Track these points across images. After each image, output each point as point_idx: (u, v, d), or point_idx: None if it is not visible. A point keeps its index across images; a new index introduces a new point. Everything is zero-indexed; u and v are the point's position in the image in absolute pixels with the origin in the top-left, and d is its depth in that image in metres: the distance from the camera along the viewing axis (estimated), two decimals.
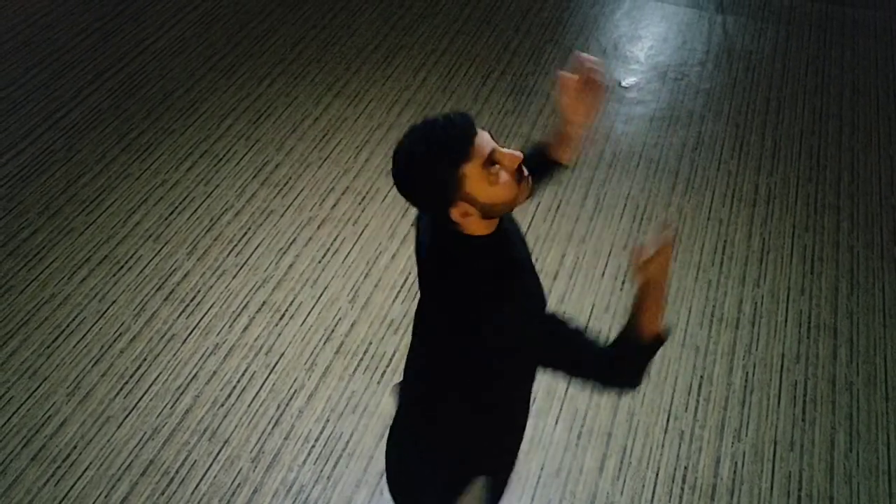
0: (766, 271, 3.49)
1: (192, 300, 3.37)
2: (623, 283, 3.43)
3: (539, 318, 1.51)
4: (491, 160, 1.44)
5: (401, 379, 2.11)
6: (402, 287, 3.41)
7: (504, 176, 1.46)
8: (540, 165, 1.88)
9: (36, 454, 2.87)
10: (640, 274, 1.48)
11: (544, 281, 3.42)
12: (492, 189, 1.45)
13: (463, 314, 1.49)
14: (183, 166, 3.97)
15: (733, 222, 3.69)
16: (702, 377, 3.11)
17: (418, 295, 3.38)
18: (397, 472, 1.98)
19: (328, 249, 3.57)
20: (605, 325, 3.26)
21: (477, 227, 1.53)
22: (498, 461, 1.94)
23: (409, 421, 1.90)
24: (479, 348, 1.50)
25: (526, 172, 1.50)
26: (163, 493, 2.76)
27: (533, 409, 2.99)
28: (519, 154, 1.47)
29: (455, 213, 1.48)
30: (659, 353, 3.18)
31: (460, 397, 1.71)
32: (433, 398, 1.78)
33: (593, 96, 1.73)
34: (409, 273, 3.47)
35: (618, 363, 1.50)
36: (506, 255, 1.57)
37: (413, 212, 3.73)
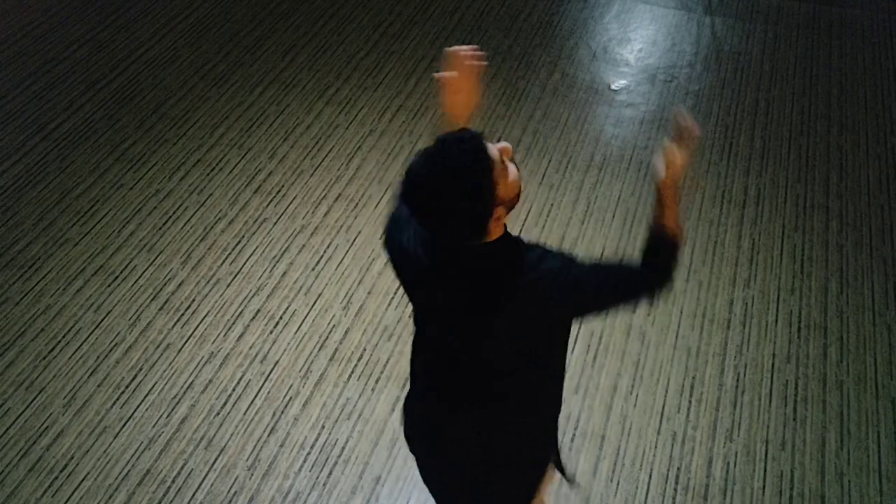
0: (756, 272, 3.52)
1: (186, 309, 3.39)
2: None
3: (590, 264, 1.64)
4: (501, 158, 1.52)
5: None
6: (395, 293, 3.44)
7: (511, 167, 1.55)
8: None
9: (33, 465, 2.88)
10: (668, 175, 1.62)
11: None
12: (510, 183, 1.53)
13: (544, 290, 1.56)
14: (176, 176, 3.99)
15: (723, 223, 3.72)
16: (693, 378, 3.13)
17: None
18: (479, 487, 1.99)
19: (321, 257, 3.60)
20: (597, 326, 3.28)
21: (499, 228, 1.58)
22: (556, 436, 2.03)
23: (480, 438, 1.87)
24: (567, 310, 1.63)
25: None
26: (160, 503, 2.78)
27: None
28: (508, 143, 1.56)
29: (492, 221, 1.52)
30: (656, 353, 3.21)
31: (538, 383, 1.80)
32: (516, 401, 1.82)
33: (473, 82, 1.78)
34: None
35: (655, 265, 1.66)
36: (519, 238, 1.65)
37: None
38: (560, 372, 1.88)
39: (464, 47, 1.72)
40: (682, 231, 1.69)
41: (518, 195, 1.57)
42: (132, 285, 3.48)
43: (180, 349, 3.25)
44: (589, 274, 1.62)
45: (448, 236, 1.54)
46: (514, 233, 1.64)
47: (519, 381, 1.75)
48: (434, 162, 1.46)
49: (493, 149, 1.51)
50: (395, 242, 1.75)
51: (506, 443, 1.85)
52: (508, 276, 1.57)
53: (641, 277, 1.66)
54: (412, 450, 2.06)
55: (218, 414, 3.03)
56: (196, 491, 2.81)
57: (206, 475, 2.86)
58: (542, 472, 2.02)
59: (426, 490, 2.18)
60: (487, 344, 1.66)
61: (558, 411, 1.96)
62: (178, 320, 3.35)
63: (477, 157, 1.45)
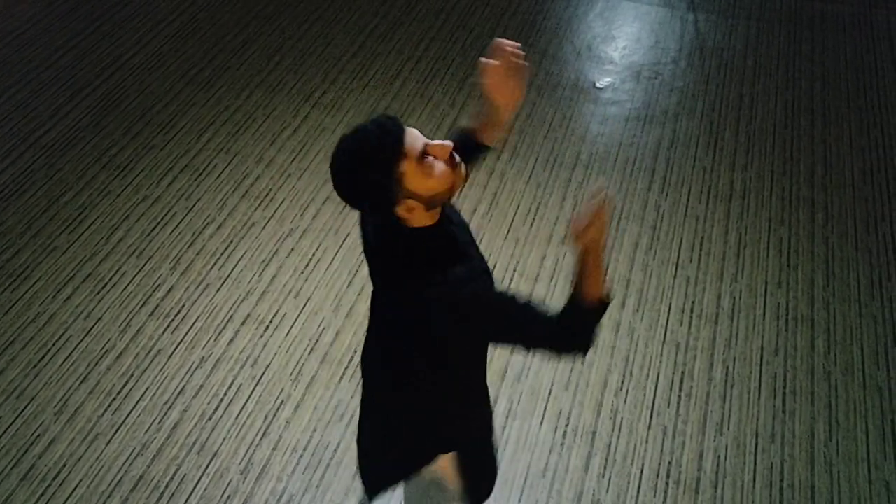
0: (743, 266, 3.54)
1: (176, 315, 3.39)
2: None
3: (492, 294, 1.62)
4: (424, 154, 1.52)
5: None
6: None
7: (439, 166, 1.54)
8: (467, 150, 1.95)
9: (25, 474, 2.88)
10: (579, 241, 1.57)
11: (525, 284, 3.46)
12: (430, 181, 1.53)
13: (422, 301, 1.57)
14: (164, 181, 3.99)
15: (710, 218, 3.75)
16: (683, 373, 3.16)
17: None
18: (367, 450, 2.08)
19: (310, 260, 3.60)
20: None
21: (422, 219, 1.60)
22: (459, 439, 2.03)
23: (373, 404, 2.01)
24: (440, 329, 1.59)
25: (458, 159, 1.58)
26: None
27: (517, 410, 3.03)
28: (449, 143, 1.55)
29: (401, 211, 1.55)
30: (645, 348, 3.22)
31: (418, 381, 1.82)
32: (394, 382, 1.88)
33: (517, 78, 1.79)
34: None
35: (568, 329, 1.61)
36: (451, 240, 1.66)
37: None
38: (466, 383, 1.91)
39: (508, 41, 1.74)
40: (607, 294, 1.64)
41: (441, 195, 1.56)
42: (122, 292, 3.48)
43: (171, 355, 3.25)
44: (499, 302, 1.60)
45: (363, 210, 1.60)
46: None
47: (416, 370, 1.79)
48: (350, 136, 1.52)
49: (417, 141, 1.51)
50: (363, 221, 1.87)
51: (396, 412, 1.96)
52: (418, 265, 1.59)
53: (552, 331, 1.59)
54: None
55: (210, 418, 3.04)
56: (189, 496, 2.81)
57: (200, 480, 2.86)
58: (415, 463, 2.05)
59: None
60: (391, 318, 1.73)
61: (450, 424, 1.97)
62: (168, 326, 3.35)
63: (384, 143, 1.48)
